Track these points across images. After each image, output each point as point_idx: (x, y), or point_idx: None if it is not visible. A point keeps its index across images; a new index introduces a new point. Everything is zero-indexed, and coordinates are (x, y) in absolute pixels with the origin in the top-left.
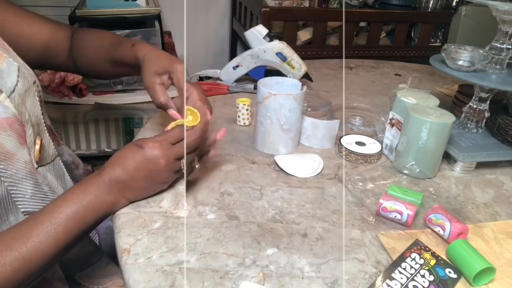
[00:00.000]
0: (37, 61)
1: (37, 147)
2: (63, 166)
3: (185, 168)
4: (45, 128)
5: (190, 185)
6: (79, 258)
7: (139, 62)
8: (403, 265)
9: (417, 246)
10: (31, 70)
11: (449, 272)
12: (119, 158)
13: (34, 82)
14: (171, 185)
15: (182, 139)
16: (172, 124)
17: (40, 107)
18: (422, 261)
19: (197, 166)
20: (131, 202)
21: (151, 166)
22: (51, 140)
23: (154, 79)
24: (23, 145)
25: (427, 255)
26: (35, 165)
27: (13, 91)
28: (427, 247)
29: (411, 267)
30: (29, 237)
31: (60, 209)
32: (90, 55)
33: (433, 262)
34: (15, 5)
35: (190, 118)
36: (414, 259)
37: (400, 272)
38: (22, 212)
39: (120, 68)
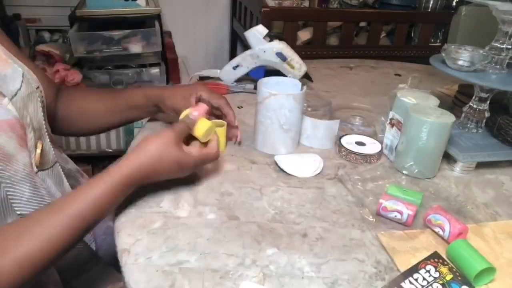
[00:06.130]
0: None
1: (38, 151)
2: (62, 173)
3: None
4: (46, 133)
5: (190, 185)
6: (75, 264)
7: (151, 101)
8: (415, 275)
9: (435, 259)
10: (35, 76)
11: None
12: (154, 158)
13: (38, 88)
14: (171, 185)
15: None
16: (184, 113)
17: (42, 113)
18: (437, 275)
19: None
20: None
21: (178, 173)
22: (51, 146)
23: (184, 102)
24: (23, 147)
25: (444, 269)
26: (35, 169)
27: (16, 94)
28: (445, 260)
29: (424, 278)
30: (41, 230)
31: (78, 198)
32: (89, 109)
33: (449, 277)
34: (15, 46)
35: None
36: (428, 271)
37: (411, 282)
38: (18, 214)
39: (128, 112)
